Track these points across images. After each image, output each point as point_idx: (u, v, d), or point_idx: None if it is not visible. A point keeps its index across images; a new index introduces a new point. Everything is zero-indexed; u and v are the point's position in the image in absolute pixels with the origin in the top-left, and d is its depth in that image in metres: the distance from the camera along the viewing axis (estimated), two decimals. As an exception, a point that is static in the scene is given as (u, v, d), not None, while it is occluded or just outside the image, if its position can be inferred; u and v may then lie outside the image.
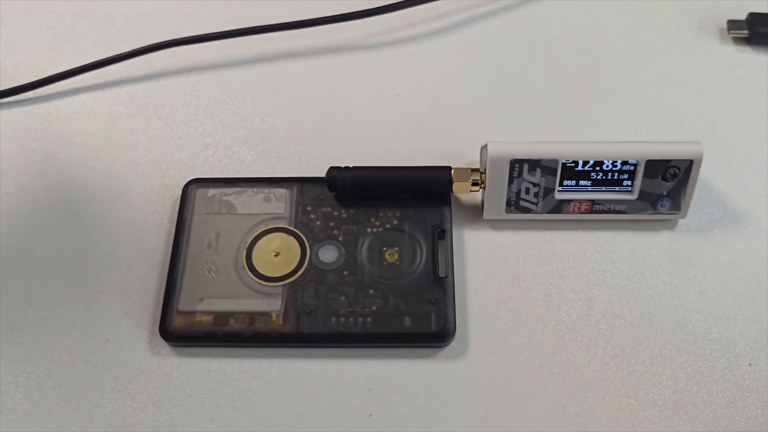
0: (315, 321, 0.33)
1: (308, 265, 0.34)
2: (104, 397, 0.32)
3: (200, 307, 0.34)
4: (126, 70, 0.42)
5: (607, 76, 0.41)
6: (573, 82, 0.41)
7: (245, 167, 0.38)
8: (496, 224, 0.36)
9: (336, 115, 0.40)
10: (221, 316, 0.33)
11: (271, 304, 0.34)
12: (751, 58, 0.42)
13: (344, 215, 0.36)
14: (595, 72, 0.42)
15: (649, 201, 0.35)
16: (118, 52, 0.41)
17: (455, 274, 0.35)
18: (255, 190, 0.37)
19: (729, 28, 0.41)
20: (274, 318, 0.33)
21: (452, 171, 0.35)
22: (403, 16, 0.43)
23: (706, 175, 0.38)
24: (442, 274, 0.34)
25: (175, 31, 0.42)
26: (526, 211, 0.35)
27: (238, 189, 0.37)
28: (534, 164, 0.34)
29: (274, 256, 0.35)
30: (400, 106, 0.40)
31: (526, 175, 0.34)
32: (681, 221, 0.36)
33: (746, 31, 0.41)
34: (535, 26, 0.44)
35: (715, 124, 0.40)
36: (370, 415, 0.32)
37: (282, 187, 0.37)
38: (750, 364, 0.33)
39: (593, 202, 0.35)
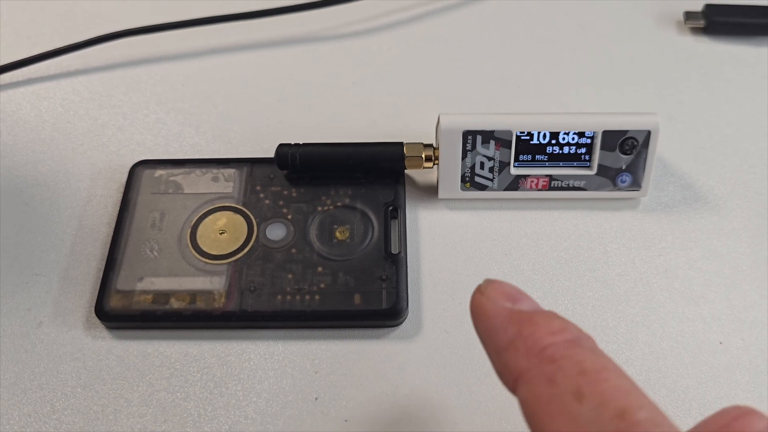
0: (259, 299, 0.30)
1: (255, 242, 0.32)
2: (32, 381, 0.29)
3: (139, 286, 0.31)
4: (82, 60, 0.40)
5: (564, 67, 0.40)
6: (528, 72, 0.40)
7: (198, 152, 0.36)
8: (452, 204, 0.34)
9: (291, 103, 0.38)
10: (161, 295, 0.31)
11: (214, 282, 0.31)
12: (709, 47, 0.40)
13: (294, 194, 0.33)
14: (550, 63, 0.40)
15: (608, 176, 0.33)
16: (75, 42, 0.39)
17: (409, 255, 0.32)
18: (203, 170, 0.34)
19: (686, 19, 0.40)
20: (216, 296, 0.30)
21: (404, 146, 0.33)
22: (361, 8, 0.42)
23: (667, 156, 0.36)
24: (394, 250, 0.32)
25: (133, 22, 0.40)
26: (482, 188, 0.33)
27: (186, 169, 0.34)
28: (487, 136, 0.32)
29: (220, 234, 0.32)
30: (356, 93, 0.39)
31: (479, 147, 0.32)
32: (643, 200, 0.34)
33: (703, 22, 0.40)
34: (491, 20, 0.42)
35: (677, 109, 0.38)
36: (316, 399, 0.29)
37: (231, 167, 0.34)
38: (720, 343, 0.30)
39: (551, 177, 0.33)
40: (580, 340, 0.20)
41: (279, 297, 0.31)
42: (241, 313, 0.30)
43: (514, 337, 0.21)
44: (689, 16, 0.40)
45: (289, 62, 0.40)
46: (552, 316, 0.21)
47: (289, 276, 0.31)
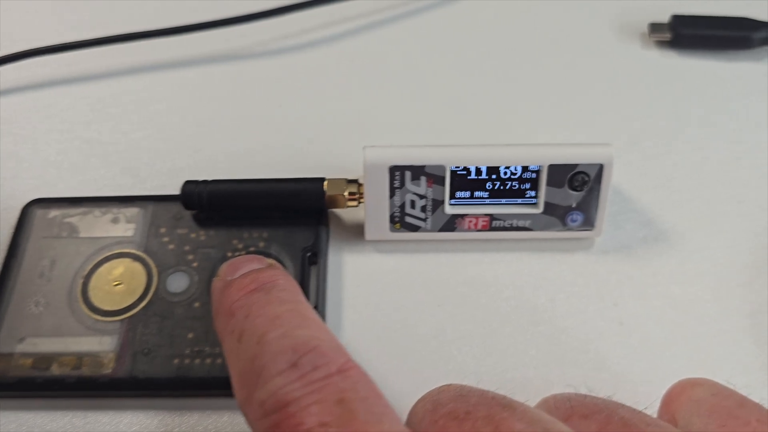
0: (153, 363, 0.25)
1: (153, 295, 0.27)
2: None
3: (20, 348, 0.26)
4: (-17, 83, 0.36)
5: (515, 85, 0.35)
6: (475, 91, 0.34)
7: (101, 188, 0.31)
8: (381, 246, 0.29)
9: (210, 129, 0.33)
10: (43, 359, 0.26)
11: (103, 343, 0.26)
12: (676, 62, 0.35)
13: (203, 237, 0.29)
14: (501, 80, 0.35)
15: (557, 215, 0.28)
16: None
17: (329, 307, 0.27)
18: (103, 210, 0.29)
19: (650, 32, 0.35)
20: (105, 360, 0.26)
21: (325, 182, 0.28)
22: (288, 23, 0.37)
23: (627, 188, 0.31)
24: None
25: (46, 40, 0.35)
26: (414, 228, 0.28)
27: (84, 209, 0.29)
28: (417, 171, 0.27)
29: (115, 285, 0.27)
30: (283, 117, 0.33)
31: (409, 185, 0.27)
32: (597, 240, 0.29)
33: (669, 34, 0.35)
34: (434, 33, 0.37)
35: (640, 133, 0.33)
36: (215, 481, 0.24)
37: (135, 207, 0.29)
38: (682, 410, 0.25)
39: (492, 217, 0.28)
40: (263, 286, 0.22)
41: (176, 360, 0.26)
42: (132, 380, 0.25)
43: (218, 305, 0.23)
44: (654, 28, 0.35)
45: (209, 83, 0.35)
46: (248, 274, 0.23)
47: (190, 335, 0.26)
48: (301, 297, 0.23)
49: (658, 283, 0.28)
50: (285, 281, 0.24)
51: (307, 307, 0.23)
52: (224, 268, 0.25)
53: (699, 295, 0.28)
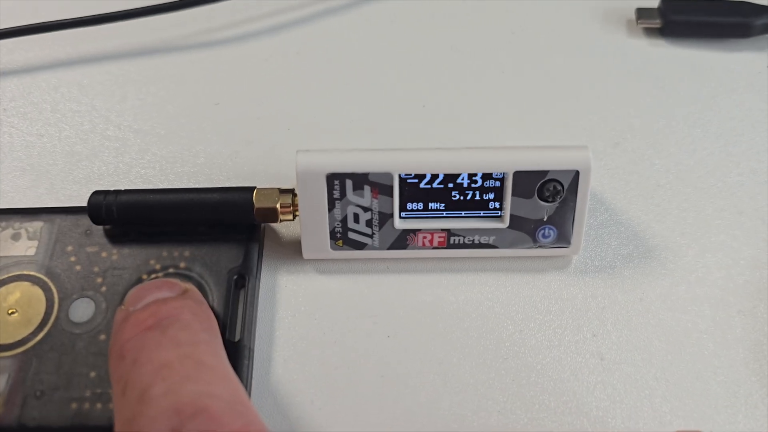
0: (46, 408, 0.21)
1: (52, 326, 0.23)
2: None
3: None
4: None
5: (478, 79, 0.30)
6: (432, 86, 0.30)
7: (12, 198, 0.27)
8: (322, 266, 0.25)
9: (135, 130, 0.29)
10: None
11: (-9, 383, 0.22)
12: (666, 52, 0.31)
13: (115, 257, 0.25)
14: (462, 73, 0.31)
15: (525, 230, 0.24)
16: None
17: (258, 340, 0.23)
18: (2, 224, 0.25)
19: (638, 18, 0.31)
20: (-9, 404, 0.22)
21: (254, 192, 0.24)
22: (230, 9, 0.33)
23: (610, 197, 0.27)
24: (233, 336, 0.23)
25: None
26: (359, 246, 0.24)
27: (-19, 224, 0.26)
28: (360, 180, 0.23)
29: (9, 314, 0.23)
30: (219, 117, 0.29)
31: (351, 195, 0.23)
32: (574, 259, 0.25)
33: (658, 21, 0.31)
34: (389, 21, 0.33)
35: (625, 133, 0.28)
36: None
37: (39, 220, 0.25)
38: (672, 463, 0.21)
39: (450, 232, 0.24)
40: (160, 323, 0.20)
41: (74, 405, 0.22)
42: (20, 428, 0.21)
43: (112, 342, 0.20)
44: (642, 13, 0.31)
45: (135, 79, 0.31)
46: (148, 306, 0.20)
47: (92, 374, 0.22)
48: (204, 336, 0.19)
49: (646, 310, 0.24)
50: (190, 315, 0.20)
51: (207, 350, 0.19)
52: (130, 295, 0.22)
53: (693, 323, 0.23)
